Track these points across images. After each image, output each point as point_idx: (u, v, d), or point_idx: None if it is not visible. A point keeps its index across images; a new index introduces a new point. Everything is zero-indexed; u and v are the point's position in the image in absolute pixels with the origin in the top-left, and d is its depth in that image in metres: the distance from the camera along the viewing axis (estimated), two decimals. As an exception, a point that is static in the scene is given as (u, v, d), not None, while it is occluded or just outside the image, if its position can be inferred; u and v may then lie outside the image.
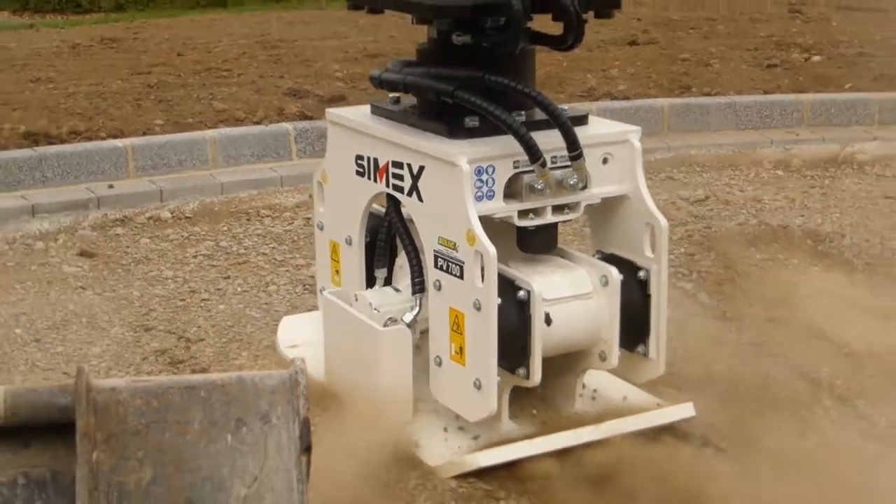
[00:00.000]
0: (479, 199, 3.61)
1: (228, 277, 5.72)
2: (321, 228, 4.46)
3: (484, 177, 3.62)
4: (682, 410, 3.97)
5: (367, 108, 4.19)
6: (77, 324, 5.17)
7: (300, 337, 4.62)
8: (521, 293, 3.60)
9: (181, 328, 5.13)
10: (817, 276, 5.70)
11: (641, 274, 3.84)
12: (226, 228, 6.42)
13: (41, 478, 2.29)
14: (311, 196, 6.82)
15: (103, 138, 7.18)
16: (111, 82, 8.53)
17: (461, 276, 3.62)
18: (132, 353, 4.88)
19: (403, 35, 10.85)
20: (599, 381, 4.14)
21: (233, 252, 6.07)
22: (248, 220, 6.56)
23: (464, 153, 3.60)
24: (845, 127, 8.27)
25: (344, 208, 4.26)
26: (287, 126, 7.49)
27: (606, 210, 3.94)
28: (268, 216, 6.60)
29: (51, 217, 6.48)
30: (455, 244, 3.62)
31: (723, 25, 10.94)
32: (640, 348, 3.90)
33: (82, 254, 6.00)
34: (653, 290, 3.84)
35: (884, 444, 4.10)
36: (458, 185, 3.58)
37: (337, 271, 4.36)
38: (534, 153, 3.59)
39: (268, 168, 7.24)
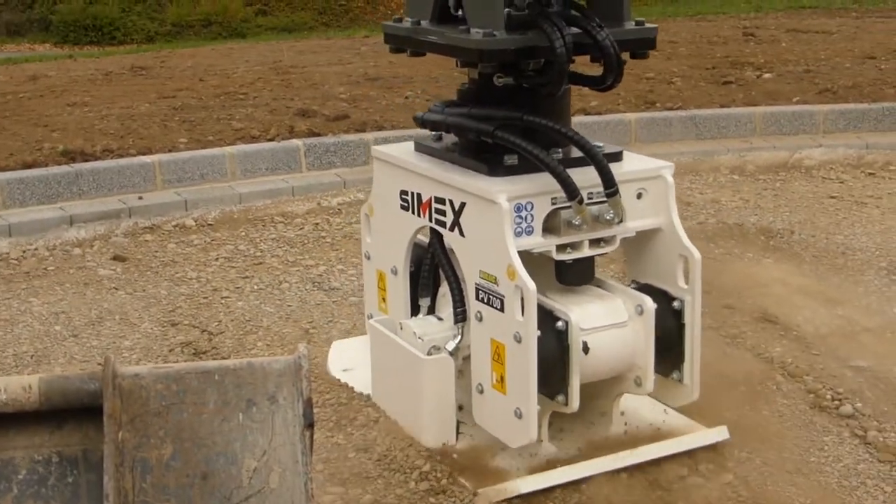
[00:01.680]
0: (518, 234, 3.42)
1: (246, 277, 5.70)
2: (368, 258, 4.27)
3: (523, 213, 3.43)
4: (717, 434, 3.78)
5: (410, 145, 3.99)
6: (111, 320, 5.15)
7: (350, 361, 4.46)
8: (560, 323, 3.42)
9: (204, 323, 5.11)
10: (769, 267, 5.70)
11: (676, 304, 3.64)
12: (244, 234, 6.40)
13: (73, 455, 2.28)
14: (319, 204, 6.85)
15: (133, 155, 7.16)
16: (140, 105, 8.50)
17: (502, 309, 3.42)
18: (160, 345, 4.86)
19: (401, 61, 10.84)
20: (635, 403, 3.93)
21: (250, 255, 6.05)
22: (263, 226, 6.54)
23: (503, 191, 3.40)
24: (793, 136, 8.25)
25: (389, 240, 4.08)
26: (297, 142, 7.47)
27: (641, 242, 3.74)
28: (281, 222, 6.58)
29: (87, 226, 6.45)
30: (496, 278, 3.43)
31: (684, 48, 10.93)
32: (675, 374, 3.69)
33: (115, 258, 5.98)
34: (687, 319, 3.64)
35: (830, 415, 4.09)
36: (499, 222, 3.39)
37: (384, 299, 4.18)
38: (571, 191, 3.38)
39: (280, 180, 7.22)
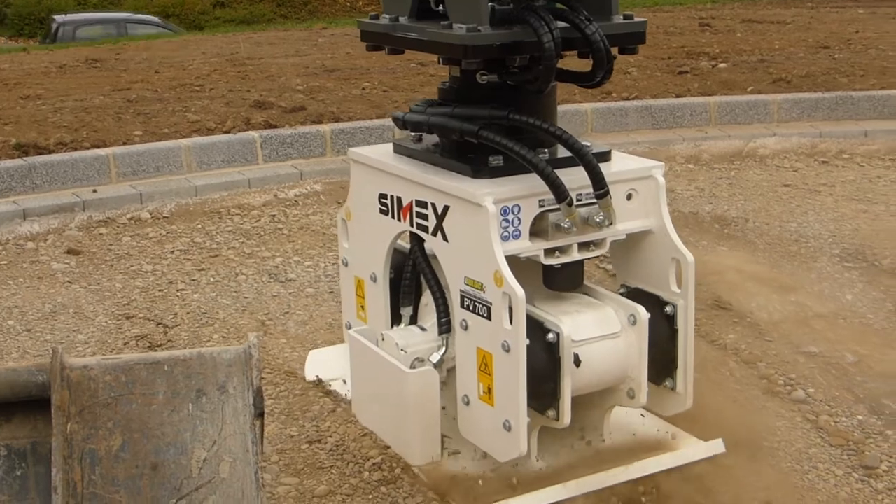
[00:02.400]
0: (505, 238, 3.24)
1: (202, 269, 5.67)
2: (346, 265, 4.06)
3: (510, 216, 3.26)
4: (713, 447, 3.63)
5: (389, 147, 3.80)
6: (65, 314, 5.11)
7: (327, 371, 4.29)
8: (551, 335, 3.24)
9: (159, 315, 5.08)
10: (724, 255, 5.74)
11: (668, 309, 3.48)
12: (200, 226, 6.37)
13: (21, 448, 2.27)
14: (275, 195, 6.83)
15: (87, 148, 7.10)
16: (94, 98, 8.44)
17: (489, 317, 3.25)
18: (115, 338, 4.83)
19: (358, 52, 10.83)
20: (624, 413, 3.75)
21: (206, 247, 6.02)
22: (219, 218, 6.51)
23: (489, 193, 3.22)
24: (748, 125, 8.31)
25: (368, 246, 3.87)
26: (253, 134, 7.44)
27: (631, 245, 3.57)
28: (237, 214, 6.56)
29: (40, 220, 6.40)
30: (482, 285, 3.25)
31: (640, 38, 10.97)
32: (668, 382, 3.54)
33: (69, 252, 5.94)
34: (680, 324, 3.47)
35: (782, 401, 4.13)
36: (484, 226, 3.21)
37: (362, 307, 3.98)
38: (560, 192, 3.21)
39: (237, 172, 7.18)
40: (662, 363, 3.50)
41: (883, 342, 4.66)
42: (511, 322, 3.17)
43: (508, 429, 3.25)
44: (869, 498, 3.50)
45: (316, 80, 9.18)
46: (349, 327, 4.03)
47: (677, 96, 8.58)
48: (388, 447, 3.70)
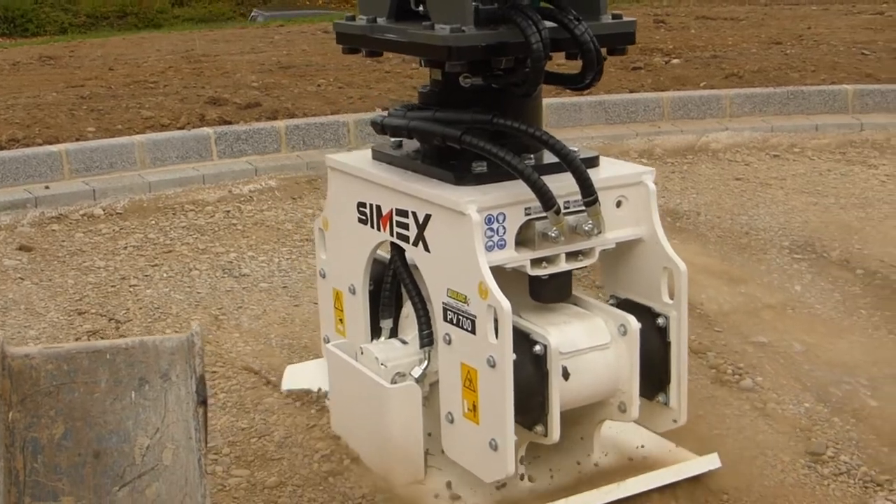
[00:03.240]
0: (489, 248, 3.09)
1: (155, 265, 5.65)
2: (323, 276, 3.89)
3: (494, 225, 3.10)
4: (708, 462, 3.51)
5: (367, 154, 3.64)
6: (16, 310, 5.07)
7: (305, 385, 4.14)
8: (538, 347, 3.09)
9: (111, 311, 5.05)
10: (676, 247, 5.69)
11: (660, 321, 3.33)
12: (153, 222, 6.34)
13: (-37, 438, 2.25)
14: (230, 191, 6.81)
15: (40, 144, 7.05)
16: (47, 95, 8.38)
17: (473, 331, 3.09)
18: (66, 334, 4.80)
19: (314, 49, 10.83)
20: (613, 426, 3.61)
21: (160, 243, 6.00)
22: (173, 214, 6.49)
23: (473, 201, 3.07)
24: (700, 120, 8.37)
25: (346, 256, 3.71)
26: (208, 130, 7.41)
27: (620, 254, 3.41)
28: (191, 210, 6.53)
29: (-8, 216, 6.36)
30: (466, 297, 3.10)
31: (595, 34, 11.03)
32: (661, 397, 3.38)
33: (21, 248, 5.89)
34: (672, 337, 3.32)
35: (730, 389, 4.17)
36: (468, 235, 3.06)
37: (341, 320, 3.82)
38: (547, 200, 3.06)
39: (191, 168, 7.15)
40: (655, 377, 3.36)
41: (830, 332, 4.71)
42: (497, 336, 3.03)
43: (495, 448, 3.10)
44: (815, 483, 3.54)
45: (271, 76, 9.16)
46: (327, 341, 3.89)
47: (631, 92, 8.62)
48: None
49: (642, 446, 3.60)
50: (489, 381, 3.07)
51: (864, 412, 4.01)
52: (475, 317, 3.08)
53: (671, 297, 3.32)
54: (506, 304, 2.99)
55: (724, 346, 4.51)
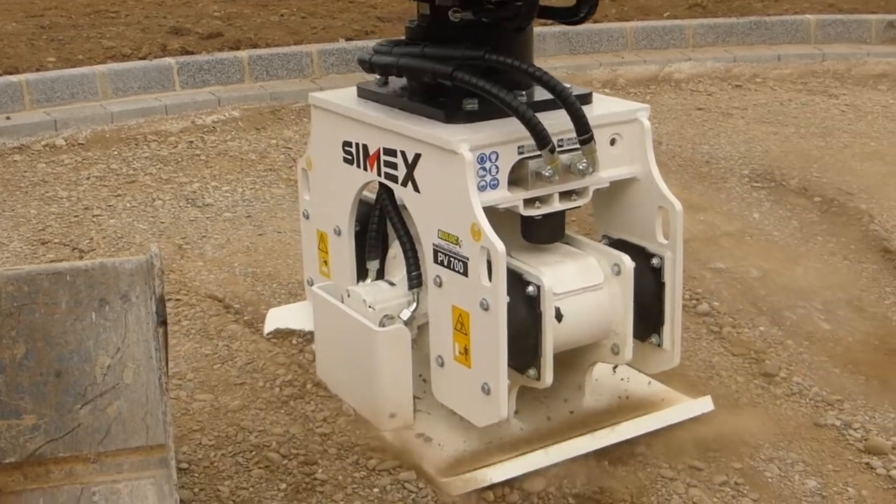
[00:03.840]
0: (482, 188, 2.99)
1: (119, 195, 5.64)
2: (307, 217, 3.80)
3: (487, 164, 3.00)
4: (702, 405, 3.46)
5: (352, 91, 3.52)
6: (-22, 241, 5.07)
7: (288, 325, 4.05)
8: (531, 288, 3.00)
9: (75, 241, 5.05)
10: (637, 176, 5.81)
11: (654, 261, 3.25)
12: (116, 153, 6.31)
13: (-75, 359, 2.28)
14: (193, 122, 6.78)
15: (0, 75, 6.99)
16: (6, 25, 8.26)
17: (465, 273, 3.01)
18: (29, 264, 4.80)
19: (277, -22, 10.70)
20: (601, 369, 3.52)
21: (122, 173, 5.98)
22: (136, 144, 6.45)
23: (465, 140, 2.95)
24: (664, 50, 8.39)
25: (331, 197, 3.61)
26: (170, 60, 7.36)
27: (613, 193, 3.32)
28: (154, 141, 6.50)
29: (-47, 147, 6.32)
30: (458, 239, 3.01)
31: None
32: (654, 339, 3.31)
33: (-18, 179, 5.87)
34: (667, 277, 3.25)
35: (688, 314, 4.23)
36: (460, 175, 2.96)
37: (325, 262, 3.74)
38: (542, 138, 2.96)
39: (153, 98, 7.11)
40: (648, 318, 3.28)
41: (787, 258, 4.78)
42: (490, 278, 2.94)
43: (487, 392, 3.03)
44: (768, 403, 3.62)
45: (233, 6, 9.07)
46: (311, 283, 3.82)
47: (594, 22, 8.60)
48: (297, 365, 3.76)
49: (625, 379, 3.56)
50: (482, 324, 2.99)
51: (818, 335, 4.09)
52: (467, 259, 3.00)
53: (666, 237, 3.26)
54: (500, 245, 2.90)
55: (683, 273, 4.57)
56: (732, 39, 8.48)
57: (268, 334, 3.99)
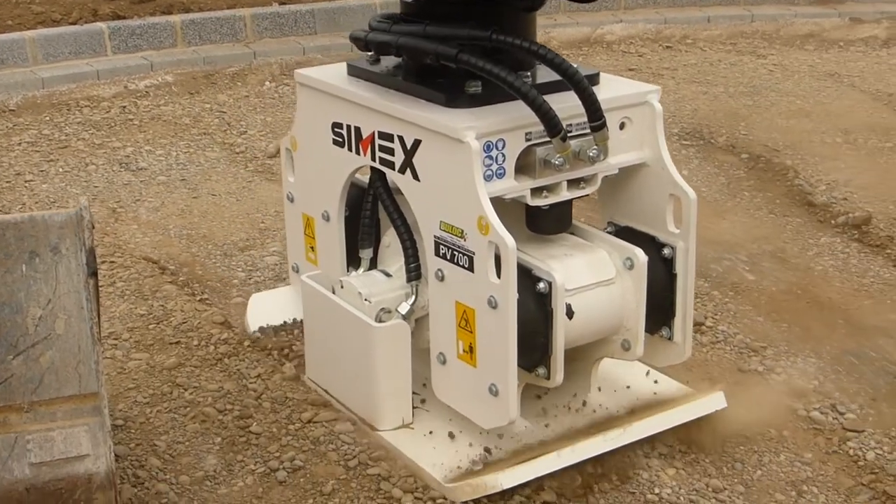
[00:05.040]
0: (488, 178, 2.80)
1: (51, 161, 5.60)
2: (291, 200, 3.57)
3: (493, 153, 2.81)
4: (715, 401, 3.26)
5: (341, 68, 3.31)
6: None
7: (274, 319, 3.80)
8: (542, 285, 2.82)
9: (7, 206, 5.03)
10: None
11: (666, 251, 3.07)
12: (48, 118, 6.27)
13: None
14: (126, 87, 6.74)
15: (-73, 41, 6.90)
16: (-67, -9, 8.15)
17: (471, 269, 2.82)
18: (-39, 228, 4.78)
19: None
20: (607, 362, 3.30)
21: (55, 139, 5.94)
22: (68, 110, 6.41)
23: (471, 127, 2.76)
24: (596, 12, 8.43)
25: (319, 181, 3.39)
26: (101, 25, 7.29)
27: (621, 179, 3.12)
28: (86, 106, 6.46)
29: None
30: (462, 232, 2.82)
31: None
32: (664, 332, 3.14)
33: (-88, 145, 5.81)
34: (679, 268, 3.07)
35: (617, 267, 4.30)
36: (466, 165, 2.76)
37: (312, 248, 3.52)
38: (554, 125, 2.79)
39: (85, 63, 7.05)
40: (659, 311, 3.10)
41: (714, 213, 4.89)
42: (499, 275, 2.76)
43: (495, 393, 2.85)
44: (695, 350, 3.70)
45: (165, -29, 9.00)
46: (297, 270, 3.63)
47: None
48: (227, 323, 3.80)
49: (627, 371, 3.39)
50: (489, 322, 2.82)
51: (743, 286, 4.20)
52: (473, 253, 2.81)
53: (677, 226, 3.07)
54: (510, 241, 2.71)
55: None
56: (663, 1, 8.56)
57: (254, 332, 3.74)
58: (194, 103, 6.53)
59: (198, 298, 4.07)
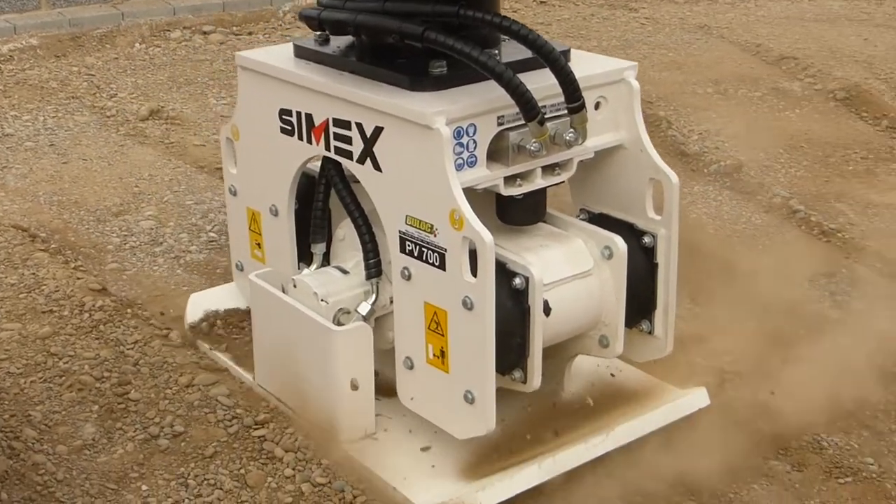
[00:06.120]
0: (459, 167, 2.56)
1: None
2: (234, 193, 3.28)
3: (464, 139, 2.57)
4: (698, 399, 3.09)
5: (286, 50, 3.03)
6: None
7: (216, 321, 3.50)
8: (518, 280, 2.59)
9: None
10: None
11: (646, 239, 2.86)
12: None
13: None
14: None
15: None
16: None
17: (442, 267, 2.58)
18: None
19: None
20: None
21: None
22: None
23: (440, 112, 2.51)
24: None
25: (266, 173, 3.12)
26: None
27: (595, 162, 2.89)
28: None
29: None
30: (432, 227, 2.58)
31: None
32: (644, 325, 2.94)
33: None
34: (660, 258, 2.86)
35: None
36: (436, 154, 2.52)
37: (258, 244, 3.24)
38: (531, 109, 2.56)
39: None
40: (638, 303, 2.89)
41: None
42: (474, 273, 2.53)
43: (471, 401, 2.62)
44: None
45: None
46: (240, 268, 3.36)
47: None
48: (104, 290, 3.71)
49: (600, 366, 3.19)
50: (464, 325, 2.58)
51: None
52: (445, 250, 2.57)
53: (657, 213, 2.87)
54: (488, 236, 2.48)
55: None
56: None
57: (191, 324, 3.47)
58: (61, 67, 6.34)
59: (71, 266, 3.97)
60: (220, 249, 4.15)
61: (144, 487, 2.83)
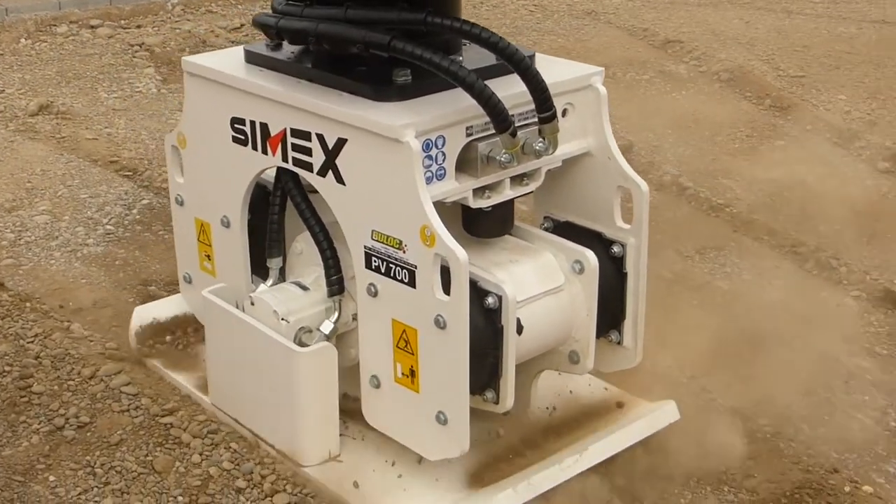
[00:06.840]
0: (428, 180, 2.47)
1: None
2: (181, 203, 3.14)
3: (433, 152, 2.48)
4: (666, 414, 3.04)
5: (237, 54, 2.92)
6: None
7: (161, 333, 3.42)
8: (490, 300, 2.50)
9: None
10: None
11: (615, 249, 2.80)
12: None
13: None
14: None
15: None
16: None
17: (412, 284, 2.49)
18: None
19: None
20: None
21: None
22: None
23: (409, 124, 2.42)
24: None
25: (217, 183, 2.98)
26: None
27: (561, 170, 2.81)
28: None
29: None
30: (401, 243, 2.48)
31: None
32: (613, 335, 2.88)
33: None
34: (630, 267, 2.79)
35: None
36: (406, 167, 2.42)
37: (208, 256, 3.10)
38: (502, 120, 2.48)
39: None
40: (607, 313, 2.83)
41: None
42: (448, 292, 2.44)
43: (444, 422, 2.55)
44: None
45: None
46: (188, 280, 3.25)
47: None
48: (1, 285, 3.68)
49: (563, 376, 3.05)
50: (436, 344, 2.50)
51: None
52: (415, 267, 2.48)
53: (626, 221, 2.82)
54: (462, 254, 2.39)
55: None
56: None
57: (137, 334, 3.37)
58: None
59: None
60: (117, 241, 4.15)
61: (52, 478, 2.84)
